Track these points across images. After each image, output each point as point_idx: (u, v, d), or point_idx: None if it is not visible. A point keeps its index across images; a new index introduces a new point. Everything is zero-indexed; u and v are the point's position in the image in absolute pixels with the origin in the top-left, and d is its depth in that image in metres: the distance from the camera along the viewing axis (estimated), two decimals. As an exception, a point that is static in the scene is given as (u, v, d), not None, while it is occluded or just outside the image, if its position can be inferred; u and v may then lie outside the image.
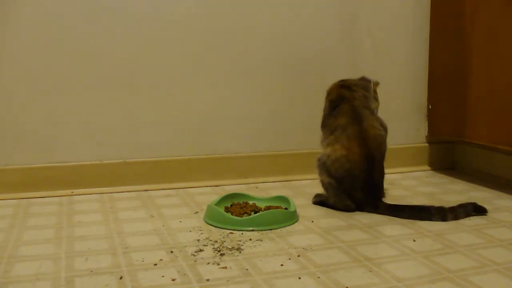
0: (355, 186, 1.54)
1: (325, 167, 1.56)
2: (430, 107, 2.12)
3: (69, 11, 1.73)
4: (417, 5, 2.08)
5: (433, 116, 2.12)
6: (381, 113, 2.01)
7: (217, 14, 1.86)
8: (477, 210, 1.54)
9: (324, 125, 1.63)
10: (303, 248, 1.28)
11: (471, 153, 2.11)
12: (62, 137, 1.77)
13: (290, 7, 1.93)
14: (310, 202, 1.67)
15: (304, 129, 1.94)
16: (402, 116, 2.13)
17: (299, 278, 1.11)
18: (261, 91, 1.93)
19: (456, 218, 1.50)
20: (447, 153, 2.18)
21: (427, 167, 2.16)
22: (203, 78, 1.88)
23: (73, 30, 1.74)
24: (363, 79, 1.70)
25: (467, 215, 1.52)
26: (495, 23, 1.77)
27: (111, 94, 1.80)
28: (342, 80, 1.67)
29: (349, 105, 1.58)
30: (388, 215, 1.53)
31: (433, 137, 2.15)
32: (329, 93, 1.65)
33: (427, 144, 2.17)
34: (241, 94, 1.92)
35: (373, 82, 1.68)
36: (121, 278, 1.11)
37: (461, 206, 1.52)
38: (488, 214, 1.54)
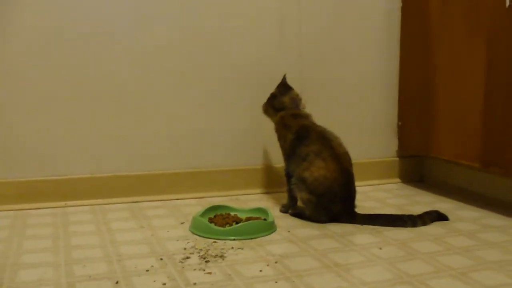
0: (334, 200, 1.68)
1: (304, 186, 1.69)
2: (400, 124, 2.28)
3: (66, 32, 1.84)
4: (388, 28, 2.23)
5: (402, 133, 2.27)
6: (355, 130, 2.18)
7: (196, 42, 1.99)
8: (440, 217, 1.73)
9: (293, 153, 1.76)
10: (280, 255, 1.42)
11: (437, 167, 2.26)
12: (56, 151, 1.89)
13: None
14: (286, 213, 1.81)
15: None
16: (374, 132, 2.28)
17: (276, 282, 1.25)
18: (242, 110, 2.07)
19: (424, 224, 1.68)
20: (416, 167, 2.34)
21: (398, 180, 2.31)
22: (188, 96, 2.01)
23: (69, 52, 1.86)
24: (285, 87, 1.88)
25: (432, 221, 1.70)
26: (457, 48, 1.93)
27: (102, 111, 1.92)
28: (290, 109, 1.84)
29: (315, 132, 1.74)
30: (365, 224, 1.68)
31: (402, 152, 2.31)
32: (287, 125, 1.80)
33: (397, 158, 2.32)
34: (224, 111, 2.05)
35: (296, 93, 1.87)
36: (117, 282, 1.23)
37: (427, 213, 1.71)
38: (450, 223, 1.70)
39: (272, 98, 1.87)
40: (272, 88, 1.90)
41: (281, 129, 1.83)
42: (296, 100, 1.86)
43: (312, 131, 1.76)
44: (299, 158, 1.73)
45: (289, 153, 1.79)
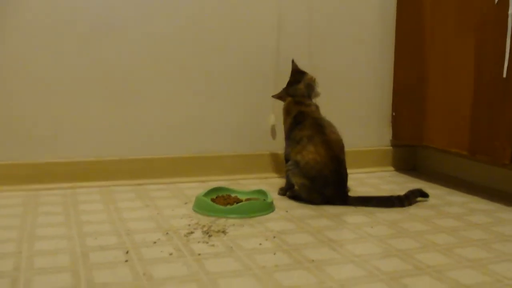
0: (326, 184, 1.78)
1: (297, 170, 1.80)
2: (394, 114, 2.38)
3: (74, 21, 1.93)
4: (383, 22, 2.33)
5: (396, 123, 2.37)
6: (351, 120, 2.27)
7: (199, 30, 2.09)
8: (422, 195, 1.87)
9: (289, 137, 1.89)
10: (278, 231, 1.52)
11: (429, 156, 2.36)
12: (66, 136, 1.98)
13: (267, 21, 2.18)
14: (284, 195, 1.91)
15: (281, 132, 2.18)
16: (369, 122, 2.38)
17: (274, 254, 1.35)
18: (243, 98, 2.17)
19: (410, 203, 1.81)
20: (409, 155, 2.44)
21: (391, 168, 2.41)
22: (191, 85, 2.10)
23: (78, 40, 1.95)
24: (299, 72, 1.98)
25: (416, 197, 1.84)
26: (449, 43, 2.03)
27: (110, 98, 2.01)
28: (295, 97, 1.94)
29: (311, 118, 1.85)
30: (357, 205, 1.78)
31: (396, 141, 2.40)
32: (288, 110, 1.92)
33: (391, 148, 2.42)
34: (225, 100, 2.15)
35: (309, 77, 1.97)
36: (127, 252, 1.33)
37: (412, 193, 1.83)
38: (438, 206, 1.81)
39: (289, 86, 1.97)
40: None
41: (285, 113, 1.94)
42: (311, 84, 1.95)
43: (308, 117, 1.86)
44: (294, 141, 1.84)
45: (286, 136, 1.89)
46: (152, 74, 2.05)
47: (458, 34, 1.98)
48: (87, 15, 1.95)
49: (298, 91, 1.94)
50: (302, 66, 2.02)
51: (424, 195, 1.88)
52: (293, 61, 2.00)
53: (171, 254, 1.33)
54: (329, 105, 2.19)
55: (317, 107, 1.95)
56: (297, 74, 1.98)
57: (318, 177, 1.77)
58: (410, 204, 1.81)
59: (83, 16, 1.95)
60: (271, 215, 1.69)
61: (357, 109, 2.36)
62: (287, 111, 1.94)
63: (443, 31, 2.06)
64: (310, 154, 1.77)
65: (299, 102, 1.93)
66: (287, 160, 1.88)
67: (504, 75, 1.78)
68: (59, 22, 1.93)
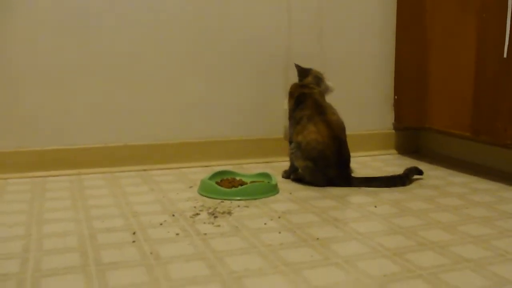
0: (328, 165, 1.80)
1: (299, 152, 1.82)
2: (396, 98, 2.39)
3: (78, 7, 1.95)
4: (385, 6, 2.34)
5: (398, 106, 2.38)
6: (354, 104, 2.29)
7: (203, 14, 2.10)
8: (418, 172, 1.92)
9: (290, 118, 1.92)
10: (283, 212, 1.54)
11: (431, 139, 2.38)
12: (71, 123, 2.00)
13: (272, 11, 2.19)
14: (288, 178, 1.93)
15: (284, 117, 2.19)
16: (372, 106, 2.40)
17: (279, 233, 1.36)
18: (246, 84, 2.18)
19: (410, 181, 1.85)
20: (411, 138, 2.45)
21: (394, 151, 2.42)
22: (194, 71, 2.12)
23: (82, 26, 1.96)
24: (304, 70, 2.02)
25: (413, 174, 1.90)
26: (450, 25, 2.03)
27: (114, 85, 2.03)
28: (300, 81, 1.99)
29: (311, 99, 1.87)
30: (360, 186, 1.80)
31: (399, 125, 2.41)
32: (292, 93, 1.96)
33: (394, 131, 2.43)
34: (228, 86, 2.16)
35: (316, 71, 2.02)
36: (134, 233, 1.35)
37: (409, 170, 1.88)
38: (441, 187, 1.82)
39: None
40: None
41: (289, 96, 1.98)
42: (319, 76, 2.00)
43: (309, 98, 1.88)
44: (295, 121, 1.87)
45: (290, 118, 1.91)
46: (156, 59, 2.06)
47: (459, 15, 1.99)
48: (91, 1, 1.96)
49: (306, 83, 1.99)
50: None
51: (420, 172, 1.93)
52: (296, 65, 2.04)
53: (177, 234, 1.35)
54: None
55: (321, 92, 1.96)
56: (303, 72, 2.02)
57: (320, 158, 1.78)
58: (410, 182, 1.84)
59: (87, 2, 1.96)
60: (276, 197, 1.71)
61: (360, 93, 2.37)
62: (290, 94, 1.97)
63: (444, 13, 2.06)
64: (311, 134, 1.79)
65: (303, 86, 1.96)
66: (290, 142, 1.90)
67: (505, 56, 1.79)
68: (63, 9, 1.93)
